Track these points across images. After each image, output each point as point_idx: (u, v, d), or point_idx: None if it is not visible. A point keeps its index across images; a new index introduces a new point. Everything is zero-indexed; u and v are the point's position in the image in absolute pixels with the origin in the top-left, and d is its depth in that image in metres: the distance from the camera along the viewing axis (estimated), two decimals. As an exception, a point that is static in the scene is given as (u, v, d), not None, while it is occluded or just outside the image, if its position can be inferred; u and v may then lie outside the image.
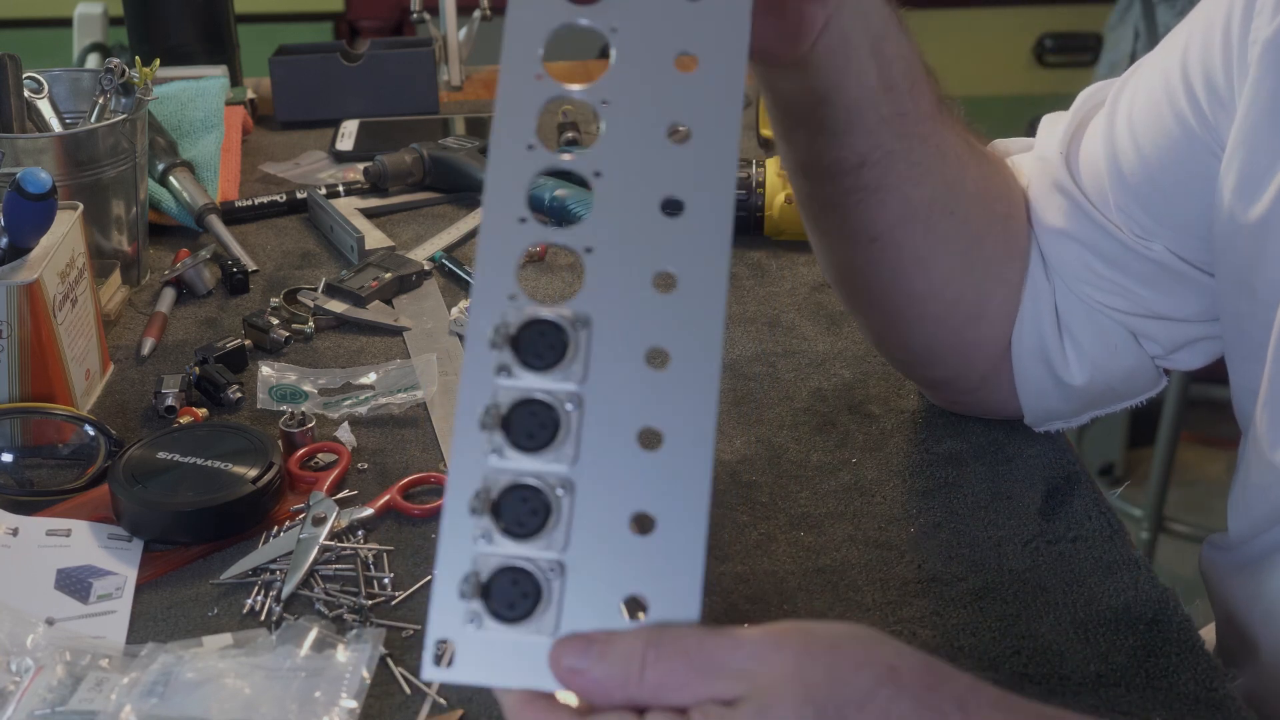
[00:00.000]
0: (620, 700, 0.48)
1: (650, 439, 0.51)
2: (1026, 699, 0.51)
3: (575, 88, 0.52)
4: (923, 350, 0.87)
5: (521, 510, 0.50)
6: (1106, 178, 0.80)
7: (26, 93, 1.15)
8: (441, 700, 0.71)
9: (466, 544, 0.50)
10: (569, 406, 0.51)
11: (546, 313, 0.51)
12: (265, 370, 1.03)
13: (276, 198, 1.34)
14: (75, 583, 0.80)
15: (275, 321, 1.09)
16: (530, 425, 0.51)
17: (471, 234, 1.23)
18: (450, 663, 0.50)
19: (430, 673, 0.50)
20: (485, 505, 0.50)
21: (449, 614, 0.50)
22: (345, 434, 0.94)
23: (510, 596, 0.50)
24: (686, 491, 0.50)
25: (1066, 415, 0.88)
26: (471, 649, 0.50)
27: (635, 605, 0.50)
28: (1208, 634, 0.84)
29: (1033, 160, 0.86)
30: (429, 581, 0.80)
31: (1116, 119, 0.81)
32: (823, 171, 0.76)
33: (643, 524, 0.50)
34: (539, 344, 0.51)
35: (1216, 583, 0.82)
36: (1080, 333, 0.83)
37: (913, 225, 0.79)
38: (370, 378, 1.02)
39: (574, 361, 0.51)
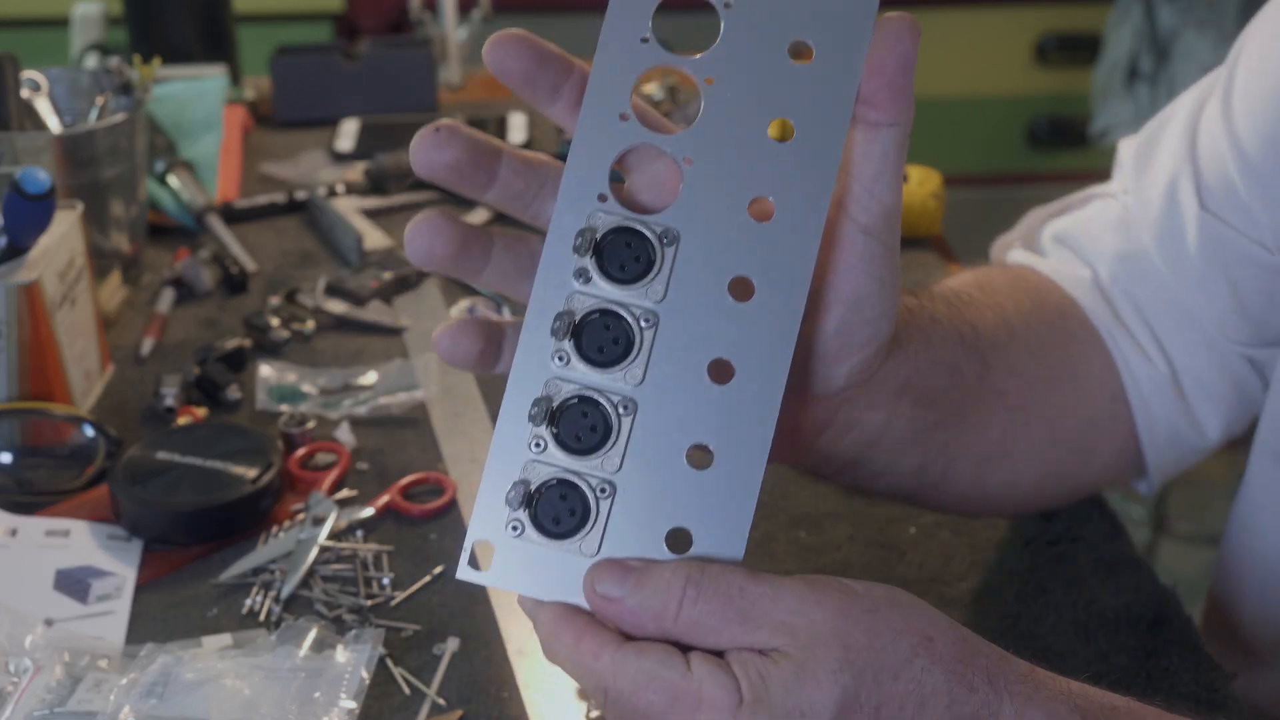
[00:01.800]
0: (653, 634, 0.47)
1: (721, 371, 0.49)
2: (1052, 674, 0.51)
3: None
4: (1042, 504, 0.81)
5: (580, 424, 0.49)
6: (1239, 180, 0.73)
7: (25, 92, 1.15)
8: (441, 700, 0.70)
9: (520, 449, 0.49)
10: (644, 324, 0.49)
11: (636, 221, 0.49)
12: (265, 370, 1.03)
13: (276, 198, 1.34)
14: (74, 583, 0.80)
15: (275, 321, 1.09)
16: (602, 339, 0.49)
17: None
18: (486, 566, 0.49)
19: (465, 573, 0.49)
20: (544, 413, 0.49)
21: (492, 518, 0.49)
22: (345, 434, 0.94)
23: (557, 511, 0.49)
24: (750, 432, 0.48)
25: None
26: (509, 556, 0.49)
27: (680, 539, 0.49)
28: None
29: (1150, 220, 0.77)
30: (429, 582, 0.80)
31: (1233, 106, 0.73)
32: (878, 492, 0.68)
33: (700, 458, 0.49)
34: (624, 254, 0.49)
35: (1237, 566, 0.81)
36: (1211, 386, 0.77)
37: (995, 462, 0.71)
38: (370, 378, 1.02)
39: (656, 278, 0.49)
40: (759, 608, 0.47)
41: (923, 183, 1.25)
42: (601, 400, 0.49)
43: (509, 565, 0.49)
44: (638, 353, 0.49)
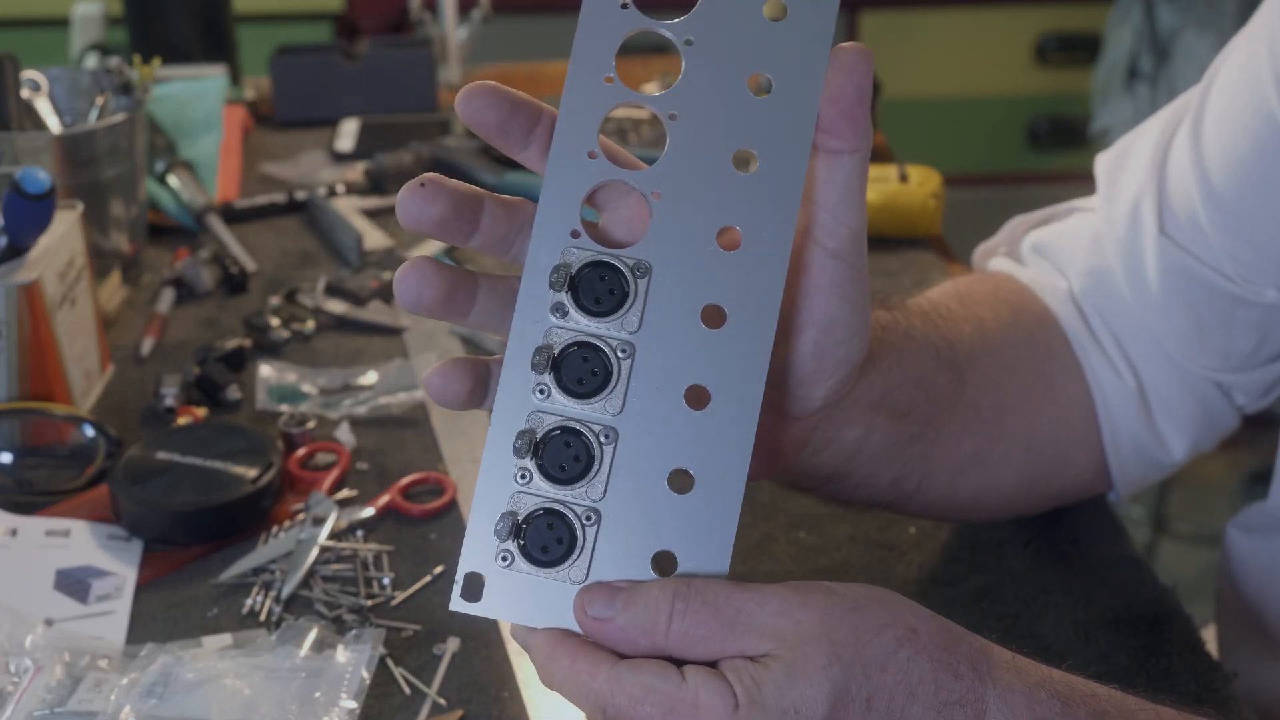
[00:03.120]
0: (645, 650, 0.48)
1: (697, 397, 0.50)
2: (1035, 661, 0.52)
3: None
4: (1016, 511, 0.82)
5: (564, 455, 0.50)
6: (1201, 209, 0.74)
7: (25, 92, 1.15)
8: (441, 700, 0.70)
9: (506, 482, 0.51)
10: (621, 355, 0.50)
11: (608, 256, 0.51)
12: (265, 370, 1.03)
13: (276, 198, 1.34)
14: (74, 583, 0.80)
15: (275, 321, 1.09)
16: (581, 371, 0.50)
17: (471, 234, 1.23)
18: (478, 597, 0.50)
19: (457, 605, 0.50)
20: (528, 446, 0.50)
21: (482, 549, 0.50)
22: (345, 434, 0.94)
23: (544, 540, 0.50)
24: (728, 454, 0.50)
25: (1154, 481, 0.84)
26: (500, 586, 0.50)
27: (665, 562, 0.50)
28: (1208, 634, 0.83)
29: (1116, 240, 0.78)
30: (429, 582, 0.80)
31: (1203, 133, 0.75)
32: (858, 502, 0.70)
33: (681, 481, 0.50)
34: (598, 288, 0.51)
35: (1237, 564, 0.82)
36: (1177, 406, 0.78)
37: (968, 472, 0.72)
38: (370, 378, 1.02)
39: (631, 309, 0.51)
40: (745, 615, 0.48)
41: (923, 183, 1.25)
42: (583, 430, 0.50)
43: (500, 595, 0.50)
44: (616, 383, 0.50)
